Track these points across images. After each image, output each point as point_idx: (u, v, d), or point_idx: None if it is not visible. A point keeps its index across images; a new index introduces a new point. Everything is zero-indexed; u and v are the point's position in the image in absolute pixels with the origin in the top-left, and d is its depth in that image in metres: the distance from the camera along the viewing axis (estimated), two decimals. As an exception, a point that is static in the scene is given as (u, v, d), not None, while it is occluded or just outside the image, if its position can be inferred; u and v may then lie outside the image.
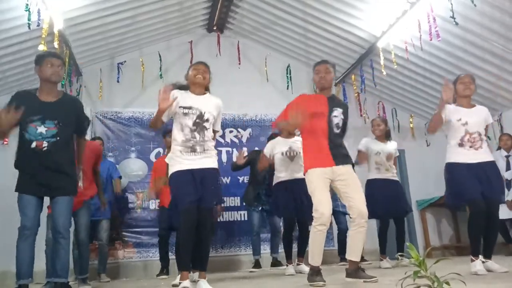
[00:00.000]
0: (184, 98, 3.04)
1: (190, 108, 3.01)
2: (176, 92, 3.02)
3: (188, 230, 2.88)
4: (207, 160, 3.00)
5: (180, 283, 2.88)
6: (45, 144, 2.89)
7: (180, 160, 2.96)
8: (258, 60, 6.96)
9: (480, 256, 3.19)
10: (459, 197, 3.33)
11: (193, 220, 2.87)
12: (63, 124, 2.97)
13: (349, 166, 3.06)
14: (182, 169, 2.93)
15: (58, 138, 2.94)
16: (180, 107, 3.00)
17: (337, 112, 3.13)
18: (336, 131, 3.10)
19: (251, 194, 5.24)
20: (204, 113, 3.03)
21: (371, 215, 4.52)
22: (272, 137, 5.14)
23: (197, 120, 3.00)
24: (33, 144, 2.88)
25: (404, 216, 4.86)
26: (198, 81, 3.07)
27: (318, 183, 2.94)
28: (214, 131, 3.17)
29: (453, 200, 3.44)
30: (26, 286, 2.88)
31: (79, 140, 3.29)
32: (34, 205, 2.89)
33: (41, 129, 2.91)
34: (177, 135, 3.00)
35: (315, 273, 2.92)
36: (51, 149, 2.90)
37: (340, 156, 3.04)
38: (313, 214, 2.91)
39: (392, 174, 4.73)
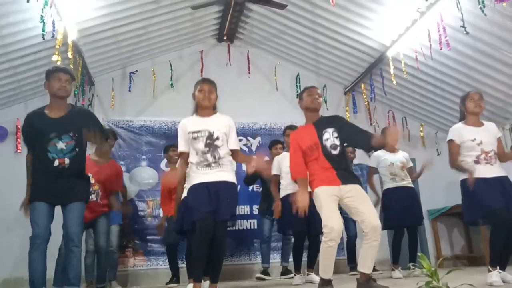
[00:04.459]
0: (192, 123, 3.12)
1: (198, 131, 3.06)
2: (185, 121, 3.13)
3: (202, 240, 2.89)
4: (223, 174, 3.02)
5: None
6: (66, 161, 2.98)
7: (195, 175, 3.04)
8: (267, 69, 7.00)
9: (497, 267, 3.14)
10: (481, 210, 3.28)
11: (208, 230, 2.88)
12: (78, 135, 3.03)
13: (356, 185, 3.00)
14: (198, 183, 3.00)
15: (77, 149, 3.02)
16: (189, 132, 3.07)
17: (327, 134, 3.06)
18: (334, 152, 3.02)
19: (263, 204, 5.25)
20: (213, 132, 3.06)
21: (386, 226, 4.54)
22: (273, 143, 5.19)
23: (207, 141, 3.03)
24: (56, 162, 2.96)
25: (418, 225, 4.81)
26: (204, 104, 3.13)
27: (325, 199, 2.91)
28: (232, 150, 3.13)
29: (473, 215, 3.39)
30: (40, 294, 2.90)
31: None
32: (45, 214, 2.93)
33: (60, 145, 2.98)
34: (193, 158, 3.08)
35: (325, 283, 2.90)
36: (71, 164, 2.99)
37: (346, 176, 2.99)
38: (322, 230, 2.86)
39: (408, 182, 4.70)
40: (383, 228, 4.68)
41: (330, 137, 3.06)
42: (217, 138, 3.06)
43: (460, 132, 3.43)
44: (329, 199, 2.90)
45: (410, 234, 4.67)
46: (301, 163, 3.09)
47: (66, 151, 2.98)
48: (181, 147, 3.14)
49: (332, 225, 2.80)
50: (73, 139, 3.01)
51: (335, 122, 3.16)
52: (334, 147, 3.04)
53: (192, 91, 3.23)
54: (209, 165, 3.02)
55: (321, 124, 3.14)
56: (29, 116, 3.12)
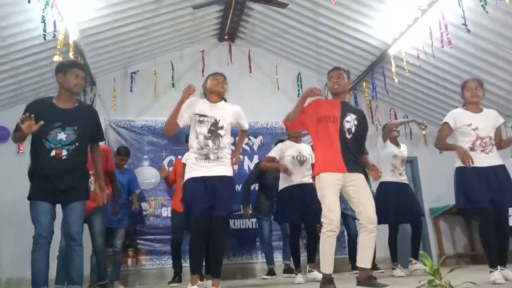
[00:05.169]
0: (200, 105, 3.15)
1: (205, 116, 3.10)
2: (194, 100, 3.14)
3: (197, 237, 2.93)
4: (221, 168, 3.05)
5: None
6: (64, 152, 2.94)
7: (194, 167, 3.04)
8: (269, 69, 7.00)
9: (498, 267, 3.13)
10: (469, 202, 3.30)
11: (203, 227, 2.91)
12: (82, 130, 3.03)
13: (361, 175, 3.03)
14: (195, 176, 3.00)
15: (77, 144, 2.99)
16: (196, 114, 3.08)
17: (350, 118, 3.10)
18: (348, 136, 3.05)
19: (266, 204, 5.25)
20: (219, 120, 3.10)
21: (383, 221, 4.53)
22: (280, 142, 5.18)
23: (211, 128, 3.07)
24: (53, 153, 2.92)
25: (418, 220, 4.79)
26: (217, 89, 3.20)
27: (328, 189, 2.92)
28: (243, 131, 3.40)
29: (463, 204, 3.41)
30: (42, 294, 2.90)
31: (94, 147, 3.30)
32: (48, 213, 2.91)
33: (61, 135, 2.96)
34: (193, 143, 3.10)
35: (327, 281, 2.91)
36: (69, 157, 2.95)
37: (352, 164, 3.00)
38: (322, 220, 2.90)
39: (405, 178, 4.74)
40: (378, 223, 4.69)
41: (351, 121, 3.10)
42: (221, 128, 3.11)
43: (457, 117, 3.43)
44: (332, 188, 2.92)
45: (414, 230, 4.65)
46: (299, 118, 3.14)
47: (65, 143, 2.95)
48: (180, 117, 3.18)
49: (332, 217, 2.85)
50: (76, 133, 2.99)
51: (361, 115, 3.21)
52: (349, 131, 3.07)
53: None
54: (207, 158, 3.03)
55: (348, 106, 3.21)
56: (37, 101, 3.10)
